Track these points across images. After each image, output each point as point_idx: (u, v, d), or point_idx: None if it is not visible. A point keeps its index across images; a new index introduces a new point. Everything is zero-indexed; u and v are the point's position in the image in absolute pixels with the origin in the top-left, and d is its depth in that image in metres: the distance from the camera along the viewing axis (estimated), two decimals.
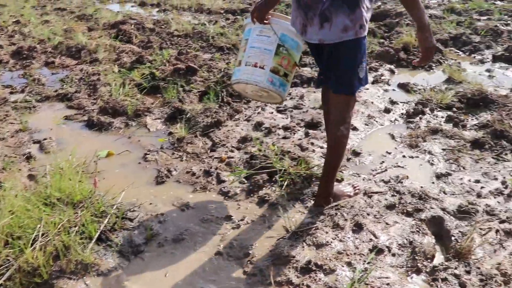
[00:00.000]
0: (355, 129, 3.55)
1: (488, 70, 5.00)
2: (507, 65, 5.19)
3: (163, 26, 7.69)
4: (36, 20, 8.93)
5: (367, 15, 2.13)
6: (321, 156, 3.15)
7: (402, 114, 3.81)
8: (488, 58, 5.47)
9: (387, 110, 3.86)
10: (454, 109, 3.81)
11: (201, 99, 4.26)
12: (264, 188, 2.80)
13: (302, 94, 4.31)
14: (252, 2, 10.24)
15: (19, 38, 7.32)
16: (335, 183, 2.54)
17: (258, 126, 3.70)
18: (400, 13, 7.43)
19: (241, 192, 2.82)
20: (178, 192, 2.89)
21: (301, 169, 2.83)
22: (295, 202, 2.65)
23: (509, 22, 7.27)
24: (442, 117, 3.71)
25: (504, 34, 6.14)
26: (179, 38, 6.68)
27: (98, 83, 4.89)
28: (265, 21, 2.40)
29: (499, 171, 2.84)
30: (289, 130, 3.57)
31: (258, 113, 3.96)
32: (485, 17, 7.78)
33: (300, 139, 3.41)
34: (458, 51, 5.86)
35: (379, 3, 9.66)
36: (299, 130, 3.57)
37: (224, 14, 9.26)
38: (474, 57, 5.58)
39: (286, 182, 2.74)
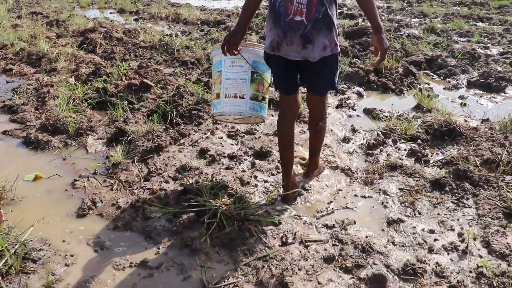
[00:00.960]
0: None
1: (461, 97, 4.72)
2: (481, 91, 4.92)
3: (132, 36, 7.35)
4: (7, 23, 8.53)
5: (337, 32, 2.44)
6: (263, 192, 2.82)
7: (361, 144, 3.49)
8: (463, 84, 5.20)
9: (346, 140, 3.54)
10: (419, 141, 3.51)
11: (149, 119, 3.91)
12: (189, 230, 2.44)
13: None
14: (230, 14, 9.95)
15: None
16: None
17: (202, 153, 3.35)
18: None
19: (164, 233, 2.47)
20: (97, 228, 2.54)
21: (234, 209, 2.48)
22: (221, 249, 2.30)
23: (488, 45, 7.06)
24: (405, 150, 3.40)
25: (481, 58, 5.89)
26: (145, 50, 6.33)
27: (47, 96, 4.52)
28: (235, 53, 2.56)
29: (458, 219, 2.52)
30: (235, 160, 3.23)
31: (207, 137, 3.62)
32: (464, 39, 7.58)
33: (243, 170, 3.07)
34: (433, 74, 5.59)
35: (359, 20, 9.45)
36: (245, 160, 3.23)
37: (199, 25, 8.96)
38: (449, 81, 5.31)
39: (214, 225, 2.39)
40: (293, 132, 2.73)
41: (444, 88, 5.07)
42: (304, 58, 2.41)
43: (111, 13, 11.93)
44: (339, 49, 2.45)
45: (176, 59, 5.72)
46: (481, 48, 6.81)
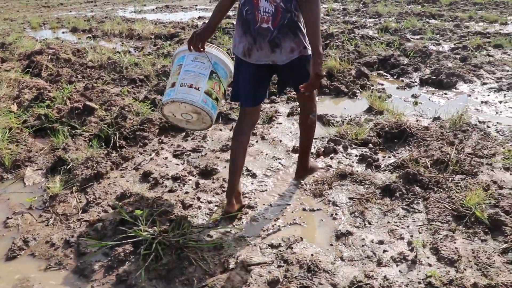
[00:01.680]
0: (253, 175, 3.09)
1: (414, 96, 4.70)
2: (433, 89, 4.92)
3: (81, 56, 7.09)
4: None
5: (307, 37, 2.43)
6: (207, 214, 2.67)
7: (311, 153, 3.37)
8: (415, 82, 5.19)
9: (295, 150, 3.43)
10: (371, 145, 3.43)
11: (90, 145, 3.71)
12: (125, 264, 2.26)
13: (205, 134, 3.82)
14: (184, 26, 9.80)
15: None
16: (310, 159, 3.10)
17: (145, 176, 3.17)
18: (331, 34, 7.17)
19: (99, 269, 2.27)
20: (28, 270, 2.32)
21: (173, 236, 2.32)
22: (159, 282, 2.13)
23: (440, 41, 7.14)
24: (356, 155, 3.31)
25: (432, 55, 5.93)
26: (93, 70, 6.11)
27: None
28: (200, 49, 2.62)
29: (408, 226, 2.42)
30: (179, 181, 3.06)
31: (151, 159, 3.44)
32: (417, 37, 7.66)
33: (187, 192, 2.91)
34: (386, 74, 5.58)
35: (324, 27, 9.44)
36: (189, 180, 3.07)
37: (153, 39, 8.78)
38: (402, 80, 5.30)
39: (151, 256, 2.22)
40: (248, 143, 2.75)
41: (397, 88, 5.05)
42: (274, 62, 2.50)
43: (63, 32, 11.62)
44: (309, 52, 2.45)
45: (124, 77, 5.52)
46: (433, 45, 6.88)
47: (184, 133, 3.87)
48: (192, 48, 2.61)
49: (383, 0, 12.88)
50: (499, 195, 2.59)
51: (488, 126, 3.73)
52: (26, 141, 3.97)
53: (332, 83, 5.01)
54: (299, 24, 2.43)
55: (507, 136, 3.47)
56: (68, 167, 3.32)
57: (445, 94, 4.72)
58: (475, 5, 11.44)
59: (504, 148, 3.24)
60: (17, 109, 4.83)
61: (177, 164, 3.36)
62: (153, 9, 15.82)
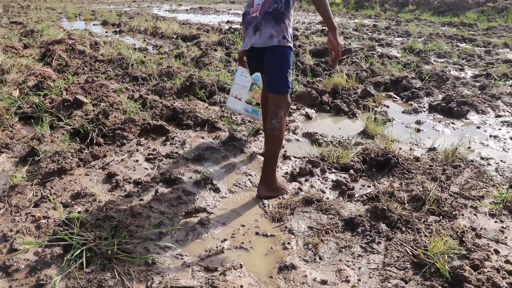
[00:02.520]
0: (217, 190, 2.92)
1: (418, 122, 4.41)
2: (441, 116, 4.61)
3: (97, 49, 7.15)
4: None
5: (290, 31, 2.73)
6: (155, 225, 2.51)
7: (286, 173, 3.17)
8: (424, 107, 4.89)
9: None
10: (352, 171, 3.19)
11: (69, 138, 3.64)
12: (50, 267, 2.14)
13: (185, 140, 3.68)
14: (209, 29, 9.76)
15: None
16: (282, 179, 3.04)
17: (110, 177, 3.06)
18: (349, 50, 6.92)
19: (24, 269, 2.16)
20: None
21: (106, 244, 2.18)
22: None
23: (464, 66, 6.76)
24: (332, 181, 3.08)
25: (449, 80, 5.59)
26: (101, 64, 6.11)
27: None
28: (244, 64, 3.31)
29: (359, 268, 2.18)
30: (139, 186, 2.93)
31: (122, 160, 3.33)
32: (442, 60, 7.30)
33: (142, 199, 2.77)
34: (396, 96, 5.29)
35: None
36: (151, 187, 2.93)
37: (174, 39, 8.76)
38: (411, 104, 5.01)
39: (78, 262, 2.08)
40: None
41: (403, 112, 4.77)
42: (253, 45, 2.72)
43: (94, 24, 11.85)
44: (289, 45, 2.68)
45: (128, 74, 5.47)
46: (455, 70, 6.52)
47: (164, 137, 3.74)
48: (238, 63, 3.49)
49: (417, 20, 12.45)
50: (473, 244, 2.31)
51: (488, 164, 3.42)
52: (13, 127, 3.96)
53: (334, 101, 4.78)
54: (284, 16, 2.66)
55: (506, 177, 3.16)
56: (38, 158, 3.25)
57: (452, 123, 4.41)
58: None
59: (498, 190, 2.94)
60: (18, 95, 4.87)
61: (146, 169, 3.23)
62: (187, 10, 15.95)
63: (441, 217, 2.55)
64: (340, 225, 2.53)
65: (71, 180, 3.00)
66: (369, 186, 3.04)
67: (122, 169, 3.18)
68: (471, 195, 2.82)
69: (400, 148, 3.60)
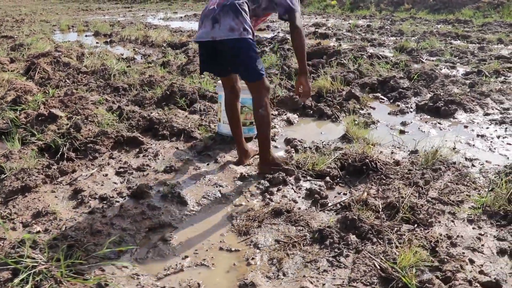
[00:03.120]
0: (184, 203, 2.80)
1: (403, 123, 4.28)
2: (428, 117, 4.47)
3: (83, 60, 7.07)
4: None
5: (249, 23, 2.75)
6: (115, 242, 2.39)
7: (259, 183, 3.05)
8: (411, 108, 4.76)
9: (243, 178, 3.12)
10: (328, 178, 3.06)
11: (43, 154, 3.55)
12: None
13: (158, 151, 3.57)
14: None
15: None
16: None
17: (76, 193, 2.95)
18: (338, 52, 6.79)
19: None
20: None
21: (57, 266, 2.06)
22: None
23: (456, 64, 6.62)
24: (306, 189, 2.95)
25: (438, 79, 5.45)
26: (84, 75, 6.03)
27: None
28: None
29: (323, 284, 2.04)
30: (105, 202, 2.82)
31: (91, 175, 3.22)
32: (433, 58, 7.16)
33: (105, 216, 2.65)
34: (383, 97, 5.16)
35: (332, 41, 9.09)
36: (116, 202, 2.81)
37: (164, 47, 8.69)
38: (398, 105, 4.87)
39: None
40: (236, 111, 3.27)
41: (389, 113, 4.64)
42: (213, 38, 2.72)
43: (86, 36, 11.82)
44: (250, 36, 2.73)
45: (109, 85, 5.38)
46: (447, 68, 6.38)
47: (138, 149, 3.63)
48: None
49: (412, 19, 12.30)
50: (447, 254, 2.16)
51: (473, 165, 3.28)
52: None
53: (318, 104, 4.65)
54: (242, 9, 2.70)
55: (490, 179, 3.01)
56: (4, 177, 3.15)
57: (439, 123, 4.26)
58: (510, 26, 10.69)
59: (479, 194, 2.79)
60: None
61: (115, 183, 3.12)
62: (181, 17, 15.93)
63: (416, 225, 2.41)
64: (309, 237, 2.40)
65: (34, 198, 2.89)
66: (345, 194, 2.90)
67: (90, 184, 3.07)
68: (450, 200, 2.67)
69: (381, 152, 3.47)
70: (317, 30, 10.58)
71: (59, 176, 3.17)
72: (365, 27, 11.39)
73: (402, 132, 4.06)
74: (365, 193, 2.65)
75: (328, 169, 3.13)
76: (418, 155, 3.33)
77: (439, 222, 2.46)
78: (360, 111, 4.63)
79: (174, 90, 4.81)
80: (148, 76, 5.53)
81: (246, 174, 3.16)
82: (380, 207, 2.56)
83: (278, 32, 10.80)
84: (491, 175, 3.05)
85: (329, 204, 2.74)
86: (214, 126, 4.09)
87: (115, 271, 2.18)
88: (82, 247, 2.29)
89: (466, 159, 3.42)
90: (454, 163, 3.18)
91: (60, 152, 3.48)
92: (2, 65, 6.99)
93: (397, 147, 3.63)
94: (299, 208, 2.72)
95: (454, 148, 3.60)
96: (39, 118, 4.09)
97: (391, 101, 5.02)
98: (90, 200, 2.86)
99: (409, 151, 3.52)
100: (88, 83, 5.62)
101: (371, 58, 6.62)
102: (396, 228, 2.36)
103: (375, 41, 8.88)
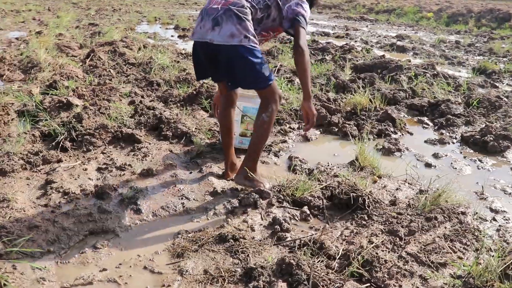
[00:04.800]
0: (138, 211, 2.62)
1: (435, 155, 3.69)
2: (471, 151, 3.83)
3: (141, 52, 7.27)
4: (53, 33, 9.03)
5: (253, 31, 2.54)
6: (49, 241, 2.28)
7: (228, 202, 2.77)
8: (455, 138, 4.11)
9: (214, 193, 2.86)
10: (306, 208, 2.69)
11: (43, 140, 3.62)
12: None
13: (149, 152, 3.44)
14: None
15: None
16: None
17: (47, 184, 2.92)
18: (400, 67, 6.18)
19: None
20: None
21: None
22: None
23: None
24: (275, 217, 2.60)
25: (502, 108, 4.66)
26: (131, 67, 6.16)
27: None
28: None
29: None
30: (66, 197, 2.74)
31: (73, 167, 3.18)
32: None
33: (53, 211, 2.56)
34: (428, 122, 4.54)
35: (408, 55, 8.38)
36: (76, 199, 2.72)
37: None
38: (442, 133, 4.25)
39: None
40: (230, 119, 3.00)
41: (425, 141, 4.05)
42: (211, 41, 2.51)
43: (166, 28, 12.25)
44: (252, 44, 2.51)
45: (145, 79, 5.42)
46: None
47: (132, 147, 3.54)
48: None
49: (507, 38, 10.94)
50: None
51: (493, 220, 2.69)
52: (6, 124, 4.03)
53: (347, 122, 4.21)
54: (247, 16, 2.51)
55: (505, 240, 2.42)
56: None
57: (480, 160, 3.61)
58: None
59: (477, 258, 2.23)
60: (37, 93, 5.04)
61: (90, 179, 3.04)
62: None
63: (366, 284, 1.97)
64: (238, 274, 2.08)
65: (5, 183, 2.90)
66: (317, 229, 2.51)
67: (65, 177, 3.02)
68: (429, 260, 2.16)
69: (385, 187, 3.00)
70: (395, 42, 9.84)
71: (40, 164, 3.18)
72: (452, 43, 10.37)
73: (428, 165, 3.50)
74: (323, 234, 2.25)
75: (310, 198, 2.75)
76: (425, 197, 2.79)
77: (400, 286, 1.99)
78: (393, 135, 4.10)
79: (201, 91, 4.68)
80: (185, 73, 5.47)
81: (221, 190, 2.89)
82: (338, 254, 2.15)
83: (355, 41, 10.26)
84: (509, 238, 2.45)
85: (288, 239, 2.38)
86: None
87: (26, 271, 2.07)
88: (11, 241, 2.21)
89: (490, 209, 2.82)
90: (463, 213, 2.61)
91: (55, 141, 3.50)
92: (70, 50, 7.44)
93: (409, 183, 3.11)
94: (253, 238, 2.39)
95: (481, 194, 3.00)
96: (57, 105, 4.20)
97: (436, 127, 4.40)
98: (53, 193, 2.80)
99: (419, 189, 2.99)
100: (130, 75, 5.71)
101: (435, 77, 5.91)
102: (337, 285, 1.94)
103: (455, 59, 8.00)
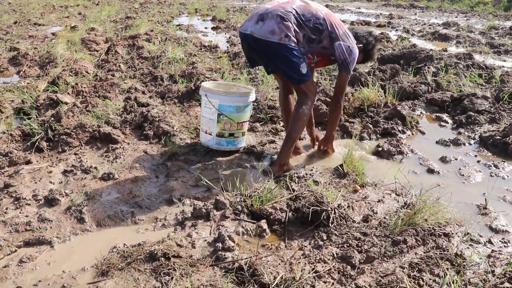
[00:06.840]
0: (81, 220, 2.43)
1: (442, 159, 3.21)
2: (489, 154, 3.32)
3: (162, 45, 7.16)
4: (87, 27, 9.18)
5: (294, 33, 2.66)
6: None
7: (182, 212, 2.51)
8: (473, 139, 3.58)
9: (170, 202, 2.61)
10: (263, 222, 2.37)
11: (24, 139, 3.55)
12: None
13: (121, 154, 3.25)
14: None
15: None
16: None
17: (5, 187, 2.81)
18: (430, 57, 5.59)
19: None
20: None
21: None
22: None
23: None
24: (220, 233, 2.29)
25: None
26: (143, 61, 6.04)
27: None
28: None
29: None
30: (16, 202, 2.61)
31: (38, 169, 3.06)
32: None
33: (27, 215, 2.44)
34: (447, 120, 4.01)
35: (448, 43, 7.66)
36: (26, 205, 2.57)
37: None
38: (460, 132, 3.73)
39: None
40: (288, 104, 3.16)
41: (437, 142, 3.56)
42: (252, 33, 2.68)
43: (204, 20, 12.14)
44: (292, 44, 2.64)
45: (151, 74, 5.26)
46: None
47: (106, 148, 3.37)
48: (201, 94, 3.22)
49: None
50: None
51: (488, 242, 2.23)
52: None
53: (349, 120, 3.80)
54: (290, 20, 2.64)
55: (489, 272, 1.98)
56: None
57: (496, 166, 3.09)
58: None
59: None
60: (44, 88, 5.05)
61: (52, 183, 2.90)
62: None
63: None
64: None
65: None
66: (271, 248, 2.19)
67: (25, 180, 2.90)
68: None
69: (365, 198, 2.60)
70: (439, 30, 9.04)
71: (6, 166, 3.08)
72: (505, 30, 9.37)
73: (430, 171, 3.03)
74: (256, 257, 1.93)
75: (271, 210, 2.43)
76: (407, 211, 2.37)
77: None
78: (400, 134, 3.64)
79: (199, 86, 4.44)
80: (191, 68, 5.25)
81: (178, 198, 2.64)
82: (271, 282, 1.83)
83: (396, 30, 9.56)
84: (498, 268, 2.00)
85: (228, 259, 2.08)
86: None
87: None
88: None
89: (490, 228, 2.36)
90: (446, 235, 2.17)
91: (31, 141, 3.41)
92: (94, 44, 7.47)
93: (396, 194, 2.68)
94: (190, 256, 2.12)
95: (483, 208, 2.53)
96: (48, 103, 4.13)
97: (455, 125, 3.86)
98: (5, 198, 2.68)
99: (404, 202, 2.56)
100: (138, 69, 5.59)
101: (469, 68, 5.26)
102: None
103: (502, 47, 7.17)
